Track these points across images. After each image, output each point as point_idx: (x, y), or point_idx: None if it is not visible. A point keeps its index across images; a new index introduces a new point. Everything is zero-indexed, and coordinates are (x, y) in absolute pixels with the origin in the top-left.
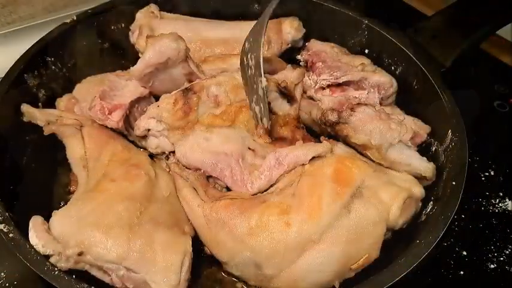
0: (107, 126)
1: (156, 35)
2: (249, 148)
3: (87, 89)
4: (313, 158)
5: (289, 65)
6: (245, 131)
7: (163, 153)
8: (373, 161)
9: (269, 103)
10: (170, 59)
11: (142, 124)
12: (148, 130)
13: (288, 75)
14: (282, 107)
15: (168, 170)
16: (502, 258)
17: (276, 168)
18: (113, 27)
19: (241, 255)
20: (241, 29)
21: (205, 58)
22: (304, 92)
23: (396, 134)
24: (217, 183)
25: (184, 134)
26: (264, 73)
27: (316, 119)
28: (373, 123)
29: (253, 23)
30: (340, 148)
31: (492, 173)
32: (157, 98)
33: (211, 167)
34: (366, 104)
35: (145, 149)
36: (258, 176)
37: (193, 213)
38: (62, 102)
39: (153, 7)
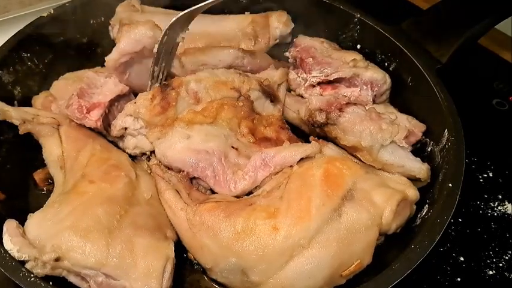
0: (85, 126)
1: (132, 23)
2: (232, 147)
3: (64, 86)
4: (302, 159)
5: (272, 64)
6: (227, 129)
7: (143, 154)
8: (365, 163)
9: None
10: (146, 48)
11: (119, 122)
12: (126, 129)
13: (271, 74)
14: (265, 107)
15: (149, 171)
16: (501, 264)
17: (262, 169)
18: (92, 22)
19: (227, 261)
20: (226, 23)
21: (185, 50)
22: (294, 90)
23: (387, 135)
24: (200, 185)
25: (164, 131)
26: (250, 70)
27: (304, 119)
28: (362, 123)
29: (239, 16)
30: (330, 149)
31: (491, 174)
32: (136, 93)
33: (193, 167)
34: (355, 104)
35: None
36: (241, 177)
37: (176, 217)
38: (39, 100)
39: (133, 0)
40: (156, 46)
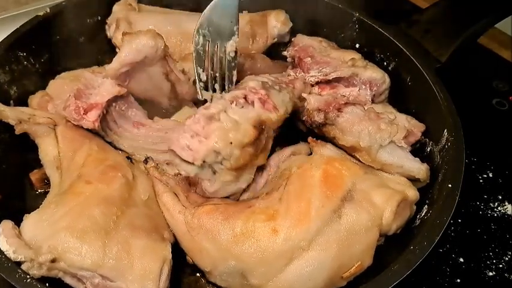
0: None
1: (133, 32)
2: None
3: (61, 86)
4: (300, 160)
5: (301, 75)
6: None
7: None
8: (364, 163)
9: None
10: (147, 58)
11: (202, 153)
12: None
13: (299, 88)
14: None
15: (146, 172)
16: (500, 266)
17: (260, 175)
18: (88, 20)
19: (226, 264)
20: None
21: (185, 55)
22: None
23: (386, 135)
24: (198, 188)
25: (237, 176)
26: (248, 70)
27: (302, 119)
28: (361, 124)
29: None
30: (329, 149)
31: (491, 174)
32: (136, 97)
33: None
34: (354, 104)
35: (122, 150)
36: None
37: (174, 220)
38: (35, 99)
39: None
40: (193, 46)
